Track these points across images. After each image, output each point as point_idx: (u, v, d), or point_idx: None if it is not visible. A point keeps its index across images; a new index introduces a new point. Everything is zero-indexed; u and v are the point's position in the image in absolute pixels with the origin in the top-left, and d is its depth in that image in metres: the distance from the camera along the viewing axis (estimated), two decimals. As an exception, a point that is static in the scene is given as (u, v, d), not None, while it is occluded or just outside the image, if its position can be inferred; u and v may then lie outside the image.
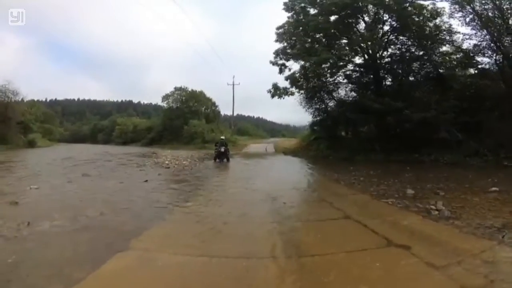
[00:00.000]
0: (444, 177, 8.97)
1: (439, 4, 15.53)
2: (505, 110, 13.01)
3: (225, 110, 60.12)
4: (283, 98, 19.55)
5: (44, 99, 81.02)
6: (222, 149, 14.85)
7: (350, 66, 18.88)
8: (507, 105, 12.92)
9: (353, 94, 19.31)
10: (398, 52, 17.40)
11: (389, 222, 4.42)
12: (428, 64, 16.56)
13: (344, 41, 18.30)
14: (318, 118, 20.85)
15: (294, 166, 14.39)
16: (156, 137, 43.66)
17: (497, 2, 13.64)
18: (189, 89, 44.50)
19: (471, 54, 15.17)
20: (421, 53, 16.38)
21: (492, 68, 14.82)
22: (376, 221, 4.38)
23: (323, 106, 20.55)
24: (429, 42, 16.03)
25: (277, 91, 19.42)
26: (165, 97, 44.75)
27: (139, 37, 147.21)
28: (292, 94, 19.45)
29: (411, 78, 17.68)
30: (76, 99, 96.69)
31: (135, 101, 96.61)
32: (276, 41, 19.40)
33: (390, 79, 18.15)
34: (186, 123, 38.64)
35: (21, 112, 34.43)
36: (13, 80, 32.60)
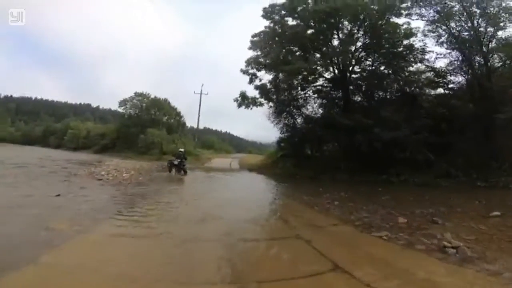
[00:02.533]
0: (426, 200, 7.85)
1: (414, 23, 15.47)
2: (475, 131, 12.79)
3: (192, 122, 57.13)
4: (251, 109, 18.26)
5: None
6: (176, 162, 14.16)
7: (321, 81, 18.17)
8: (476, 126, 12.72)
9: (321, 110, 18.57)
10: (369, 68, 17.04)
11: (401, 273, 2.74)
12: (398, 82, 16.29)
13: (318, 55, 17.64)
14: (286, 135, 19.64)
15: (259, 185, 12.86)
16: (109, 145, 40.37)
17: (475, 22, 13.70)
18: (152, 96, 41.25)
19: (443, 73, 15.07)
20: (391, 70, 16.07)
21: (462, 88, 14.78)
22: (382, 274, 2.67)
23: (292, 121, 19.41)
24: (401, 61, 15.82)
25: (244, 101, 17.93)
26: (123, 102, 40.83)
27: (105, 38, 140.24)
28: (261, 105, 18.20)
29: (379, 96, 17.30)
30: (32, 98, 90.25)
31: (94, 105, 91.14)
32: (250, 48, 18.35)
33: (359, 96, 17.59)
34: (143, 132, 35.24)
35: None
36: None
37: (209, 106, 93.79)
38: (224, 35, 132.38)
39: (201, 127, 57.80)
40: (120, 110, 41.97)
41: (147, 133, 34.78)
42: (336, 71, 17.41)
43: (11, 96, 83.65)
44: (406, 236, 4.23)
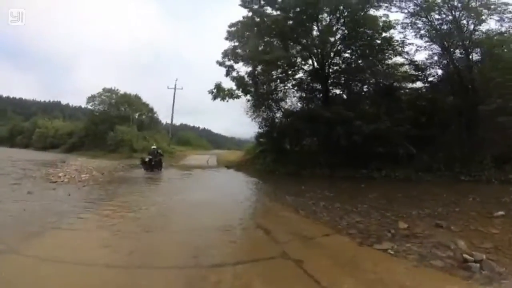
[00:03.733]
0: (415, 196, 7.25)
1: (393, 16, 15.07)
2: (456, 124, 12.62)
3: (168, 119, 54.69)
4: (227, 101, 17.12)
5: None
6: (147, 159, 14.48)
7: (300, 74, 17.43)
8: (458, 119, 12.55)
9: (300, 104, 17.90)
10: (347, 61, 16.53)
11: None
12: (376, 75, 15.92)
13: (298, 47, 16.84)
14: (265, 129, 18.77)
15: (237, 184, 11.77)
16: (78, 143, 38.10)
17: (456, 14, 13.43)
18: (121, 92, 38.70)
19: (423, 66, 14.86)
20: (369, 63, 15.65)
21: (442, 81, 14.60)
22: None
23: (271, 115, 18.55)
24: (379, 53, 15.46)
25: (220, 93, 16.71)
26: (91, 99, 38.31)
27: (76, 34, 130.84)
28: (238, 97, 17.09)
29: (357, 89, 16.91)
30: None
31: (64, 102, 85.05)
32: (227, 39, 17.12)
33: (338, 89, 17.11)
34: (112, 129, 32.92)
35: None
36: None
37: (188, 103, 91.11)
38: (204, 32, 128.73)
39: (178, 123, 55.60)
40: (89, 106, 39.32)
41: (116, 130, 32.58)
42: (316, 63, 16.82)
43: None
44: (415, 248, 3.45)
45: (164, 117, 41.81)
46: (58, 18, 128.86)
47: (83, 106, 40.53)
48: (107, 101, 38.24)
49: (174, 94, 33.66)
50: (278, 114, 18.40)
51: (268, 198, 7.69)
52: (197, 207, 6.23)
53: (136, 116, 38.71)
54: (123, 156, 27.56)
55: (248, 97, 17.80)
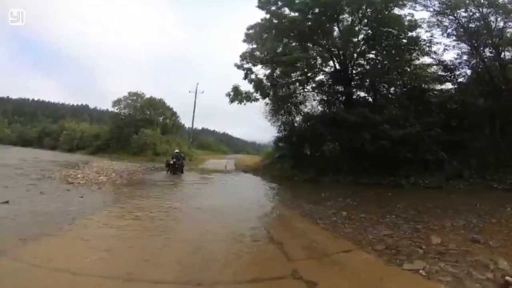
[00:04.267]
0: (447, 207, 6.66)
1: (419, 14, 14.33)
2: (490, 128, 11.67)
3: (190, 123, 55.96)
4: (244, 104, 16.92)
5: None
6: (171, 162, 15.29)
7: (321, 76, 16.99)
8: (490, 122, 11.60)
9: (320, 108, 17.32)
10: (372, 62, 15.81)
11: None
12: (403, 76, 15.13)
13: (318, 48, 16.48)
14: (284, 134, 18.44)
15: (253, 189, 11.40)
16: (103, 146, 39.43)
17: (484, 11, 12.51)
18: (146, 96, 40.11)
19: (451, 66, 13.90)
20: (396, 64, 14.89)
21: (472, 82, 13.60)
22: None
23: (290, 119, 18.24)
24: (406, 54, 14.67)
25: (237, 95, 16.63)
26: (116, 102, 39.91)
27: (103, 40, 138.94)
28: (256, 100, 16.85)
29: (384, 91, 16.17)
30: (30, 99, 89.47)
31: (92, 106, 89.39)
32: (245, 41, 16.97)
33: (363, 92, 16.41)
34: (137, 132, 34.09)
35: None
36: None
37: (208, 107, 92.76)
38: (224, 37, 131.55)
39: (199, 127, 56.75)
40: (114, 110, 41.03)
41: (140, 134, 33.68)
42: (337, 65, 16.26)
43: (8, 97, 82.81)
44: (450, 268, 2.94)
45: (185, 121, 42.63)
46: (87, 27, 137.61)
47: (109, 110, 42.40)
48: (133, 105, 39.68)
49: (195, 98, 34.25)
50: (298, 118, 18.01)
51: (285, 206, 7.24)
52: (209, 213, 5.96)
53: (161, 120, 39.95)
54: (146, 159, 28.29)
55: (267, 100, 17.60)
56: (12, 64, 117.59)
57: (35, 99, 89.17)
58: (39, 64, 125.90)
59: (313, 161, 15.75)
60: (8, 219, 4.48)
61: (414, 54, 14.74)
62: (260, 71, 16.92)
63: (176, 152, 16.49)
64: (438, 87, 14.61)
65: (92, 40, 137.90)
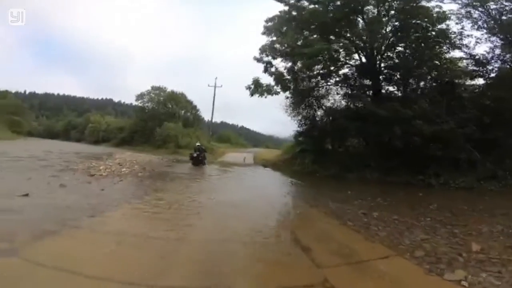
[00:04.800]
0: (482, 210, 6.26)
1: (447, 6, 13.36)
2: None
3: (209, 116, 56.83)
4: (265, 97, 16.63)
5: (23, 91, 77.54)
6: (195, 154, 15.93)
7: (345, 70, 16.41)
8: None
9: (344, 102, 16.78)
10: (401, 55, 14.99)
11: None
12: (433, 70, 14.28)
13: (342, 41, 15.85)
14: (304, 128, 18.13)
15: (273, 185, 11.17)
16: (127, 138, 40.40)
17: None
18: (168, 90, 40.96)
19: (483, 61, 12.99)
20: (426, 58, 14.01)
21: (507, 77, 12.61)
22: None
23: (311, 113, 17.89)
24: (436, 46, 13.81)
25: (258, 88, 16.46)
26: (140, 96, 40.87)
27: (125, 36, 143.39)
28: (277, 93, 16.58)
29: (414, 85, 15.39)
30: (55, 94, 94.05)
31: (116, 100, 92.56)
32: (264, 33, 16.54)
33: (391, 86, 15.66)
34: (160, 125, 35.03)
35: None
36: None
37: (226, 101, 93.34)
38: (242, 32, 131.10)
39: (218, 121, 57.25)
40: (138, 104, 42.26)
41: (163, 127, 34.55)
42: (363, 58, 15.61)
43: (34, 92, 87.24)
44: (492, 280, 2.67)
45: (204, 115, 43.24)
46: (109, 25, 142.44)
47: (133, 104, 43.77)
48: (155, 99, 40.55)
49: (214, 92, 34.50)
50: (319, 112, 17.63)
51: (308, 204, 6.84)
52: (229, 209, 5.78)
53: (182, 113, 40.64)
54: (169, 151, 28.82)
55: (288, 94, 17.26)
56: (37, 61, 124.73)
57: (60, 94, 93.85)
58: (63, 60, 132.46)
59: (335, 156, 15.30)
60: (25, 213, 4.33)
61: (444, 48, 13.88)
62: (280, 64, 16.54)
63: (198, 145, 17.10)
64: (469, 82, 13.74)
65: (115, 37, 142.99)
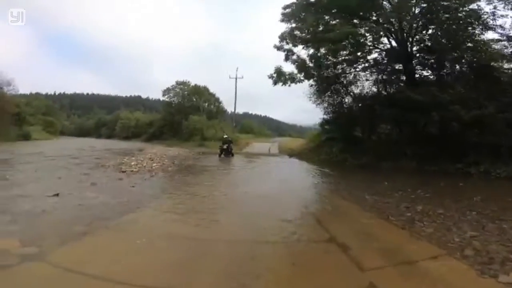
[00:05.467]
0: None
1: None
2: None
3: (232, 108, 57.43)
4: (289, 85, 16.27)
5: (52, 93, 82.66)
6: (225, 146, 16.83)
7: (374, 55, 15.53)
8: None
9: (374, 89, 16.02)
10: (433, 37, 13.79)
11: None
12: (468, 53, 13.05)
13: (368, 24, 14.86)
14: (331, 116, 17.60)
15: (301, 175, 10.84)
16: (157, 133, 42.00)
17: None
18: (191, 84, 41.78)
19: None
20: (459, 40, 12.82)
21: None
22: None
23: (338, 100, 17.29)
24: (469, 28, 12.68)
25: (280, 77, 16.10)
26: (166, 91, 42.37)
27: (148, 31, 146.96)
28: (301, 81, 16.12)
29: (449, 69, 14.22)
30: (85, 93, 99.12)
31: (144, 96, 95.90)
32: (282, 20, 15.89)
33: (424, 70, 14.65)
34: (186, 119, 35.99)
35: (15, 103, 32.57)
36: (5, 72, 31.11)
37: (248, 93, 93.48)
38: (264, 20, 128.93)
39: (240, 112, 57.53)
40: (165, 99, 43.50)
41: (189, 120, 35.41)
42: (393, 41, 14.64)
43: (64, 93, 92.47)
44: None
45: (227, 107, 43.67)
46: (134, 21, 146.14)
47: (161, 99, 45.11)
48: (180, 93, 41.63)
49: (236, 83, 34.46)
50: (347, 99, 17.03)
51: (341, 197, 6.37)
52: (258, 203, 5.61)
53: (206, 106, 41.31)
54: (195, 144, 29.38)
55: (311, 81, 16.72)
56: (65, 62, 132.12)
57: (89, 93, 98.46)
58: (91, 61, 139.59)
59: (367, 144, 14.71)
60: (54, 214, 4.28)
61: (477, 29, 12.67)
62: (302, 51, 15.95)
63: (225, 137, 17.94)
64: (506, 65, 12.58)
65: (139, 34, 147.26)
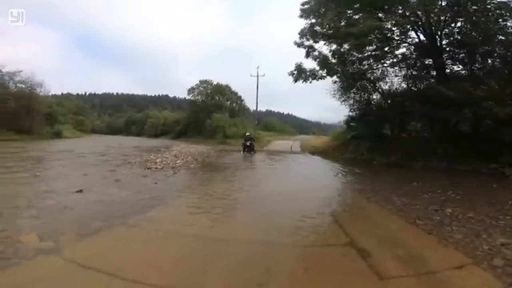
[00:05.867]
0: None
1: None
2: None
3: (253, 106, 57.60)
4: (310, 82, 15.82)
5: (83, 93, 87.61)
6: (248, 143, 17.58)
7: (402, 50, 14.80)
8: None
9: (404, 85, 15.34)
10: (463, 31, 12.94)
11: None
12: (500, 46, 12.07)
13: (394, 17, 14.14)
14: (357, 113, 17.09)
15: (324, 174, 10.48)
16: (183, 130, 43.33)
17: None
18: (214, 82, 42.56)
19: None
20: (490, 33, 11.86)
21: None
22: None
23: (365, 97, 16.76)
24: (499, 19, 11.70)
25: (301, 74, 15.79)
26: (191, 90, 43.57)
27: (173, 31, 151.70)
28: (323, 78, 15.65)
29: (481, 64, 13.23)
30: (114, 93, 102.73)
31: (171, 95, 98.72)
32: (301, 16, 15.49)
33: (455, 65, 13.77)
34: (210, 117, 36.77)
35: (47, 104, 34.45)
36: (38, 73, 33.00)
37: (271, 90, 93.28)
38: (281, 21, 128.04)
39: (263, 110, 57.52)
40: (189, 97, 44.55)
41: (212, 118, 36.12)
42: (421, 35, 13.90)
43: (95, 93, 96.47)
44: None
45: (249, 105, 43.91)
46: (159, 26, 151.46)
47: (187, 98, 46.33)
48: (204, 92, 42.53)
49: (257, 81, 34.54)
50: (375, 96, 16.55)
51: (366, 198, 6.00)
52: (275, 204, 5.46)
53: (228, 104, 41.84)
54: (217, 141, 29.99)
55: (335, 78, 16.23)
56: (95, 64, 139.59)
57: (119, 93, 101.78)
58: (120, 62, 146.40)
59: (396, 142, 14.13)
60: (75, 210, 4.36)
61: (510, 22, 11.72)
62: (324, 47, 15.49)
63: (247, 135, 18.87)
64: None
65: (164, 35, 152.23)
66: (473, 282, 2.58)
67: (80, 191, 5.56)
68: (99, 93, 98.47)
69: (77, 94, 71.50)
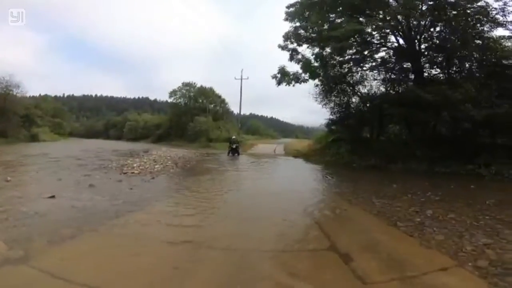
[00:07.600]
0: None
1: None
2: None
3: (237, 109, 57.34)
4: (293, 85, 16.06)
5: (61, 95, 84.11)
6: (234, 146, 18.76)
7: (381, 53, 15.15)
8: None
9: (383, 88, 15.64)
10: (441, 35, 13.37)
11: None
12: (477, 50, 12.54)
13: (375, 22, 14.48)
14: (338, 116, 17.26)
15: (305, 177, 10.36)
16: (164, 134, 42.45)
17: None
18: (198, 85, 41.98)
19: None
20: (468, 37, 12.27)
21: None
22: None
23: (345, 100, 16.98)
24: (477, 24, 12.22)
25: (285, 77, 15.86)
26: (173, 93, 42.67)
27: (155, 37, 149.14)
28: (305, 81, 15.85)
29: (458, 68, 13.77)
30: (93, 95, 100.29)
31: (152, 98, 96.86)
32: (286, 19, 15.65)
33: (433, 69, 14.24)
34: (192, 120, 36.15)
35: (24, 106, 33.11)
36: (15, 74, 31.88)
37: (255, 93, 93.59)
38: (266, 23, 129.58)
39: (247, 113, 57.53)
40: (172, 100, 43.74)
41: (195, 121, 35.54)
42: (401, 39, 14.30)
43: (73, 95, 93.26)
44: None
45: (233, 108, 43.62)
46: (140, 27, 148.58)
47: (169, 101, 45.28)
48: (187, 95, 41.89)
49: (241, 84, 34.17)
50: (355, 99, 16.71)
51: (347, 201, 5.98)
52: (254, 207, 5.39)
53: (211, 107, 41.40)
54: (200, 145, 29.65)
55: (317, 81, 16.43)
56: (74, 66, 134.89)
57: (98, 95, 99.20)
58: (99, 63, 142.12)
59: (375, 145, 14.35)
60: (46, 217, 4.19)
61: (486, 26, 12.19)
62: (307, 50, 15.72)
63: (233, 138, 20.02)
64: None
65: (146, 38, 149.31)
66: (459, 284, 2.54)
67: (53, 196, 5.40)
68: (78, 95, 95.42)
69: (55, 96, 68.44)
